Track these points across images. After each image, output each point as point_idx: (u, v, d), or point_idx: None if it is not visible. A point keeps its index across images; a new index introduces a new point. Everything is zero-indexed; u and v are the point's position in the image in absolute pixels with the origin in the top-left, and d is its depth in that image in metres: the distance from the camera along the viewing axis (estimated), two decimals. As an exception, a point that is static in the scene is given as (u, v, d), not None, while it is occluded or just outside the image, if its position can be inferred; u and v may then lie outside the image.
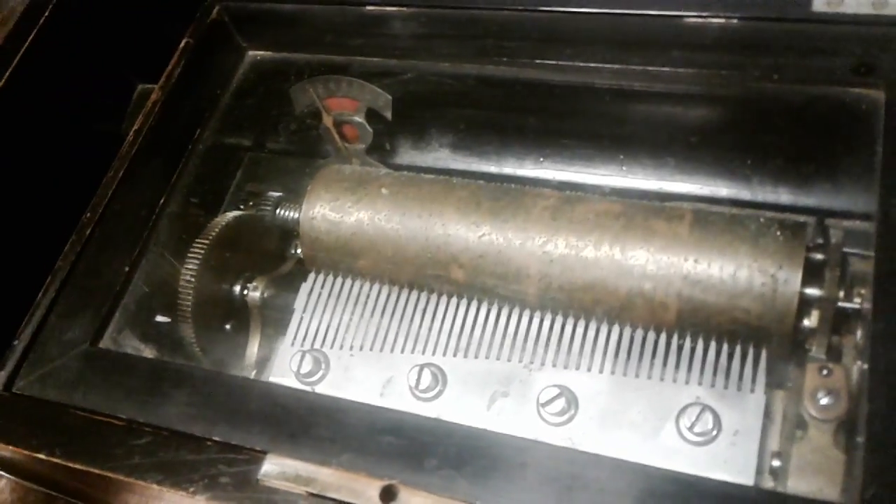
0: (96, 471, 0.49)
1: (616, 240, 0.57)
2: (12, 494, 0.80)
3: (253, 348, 0.65)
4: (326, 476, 0.46)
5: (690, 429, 0.53)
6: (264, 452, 0.47)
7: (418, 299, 0.63)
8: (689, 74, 0.59)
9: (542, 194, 0.61)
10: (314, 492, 0.45)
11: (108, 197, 0.61)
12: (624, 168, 0.68)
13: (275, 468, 0.46)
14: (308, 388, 0.60)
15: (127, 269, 0.58)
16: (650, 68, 0.60)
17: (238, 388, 0.51)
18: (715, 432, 0.53)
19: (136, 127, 0.65)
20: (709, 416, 0.53)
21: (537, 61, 0.62)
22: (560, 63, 0.62)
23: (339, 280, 0.65)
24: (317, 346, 0.63)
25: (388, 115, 0.69)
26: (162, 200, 0.61)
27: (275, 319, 0.66)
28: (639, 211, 0.58)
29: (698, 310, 0.55)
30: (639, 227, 0.57)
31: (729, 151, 0.64)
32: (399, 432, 0.47)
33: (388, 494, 0.44)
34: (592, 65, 0.61)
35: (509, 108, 0.68)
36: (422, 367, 0.59)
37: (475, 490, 0.44)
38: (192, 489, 0.47)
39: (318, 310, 0.65)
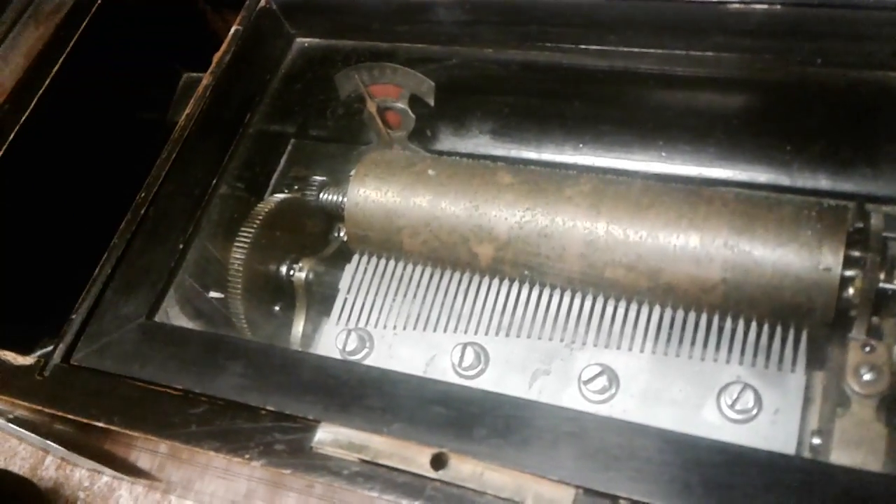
0: (155, 438, 0.50)
1: (658, 221, 0.58)
2: (31, 460, 0.82)
3: (298, 327, 0.66)
4: (378, 444, 0.47)
5: (731, 407, 0.54)
6: (317, 421, 0.49)
7: (461, 280, 0.64)
8: (732, 59, 0.60)
9: (585, 176, 0.62)
10: (366, 458, 0.47)
11: (162, 178, 0.63)
12: (663, 154, 0.68)
13: (328, 436, 0.48)
14: (356, 363, 0.61)
15: (181, 246, 0.59)
16: (692, 53, 0.60)
17: (290, 360, 0.52)
18: (755, 410, 0.54)
19: (187, 111, 0.67)
20: (750, 395, 0.54)
21: (581, 47, 0.63)
22: (602, 48, 0.63)
23: (383, 261, 0.67)
24: (361, 325, 0.65)
25: (431, 101, 0.70)
26: (214, 181, 0.63)
27: (320, 299, 0.68)
28: (681, 193, 0.59)
29: (740, 291, 0.56)
30: (681, 208, 0.58)
31: (770, 137, 0.64)
32: (448, 403, 0.48)
33: (438, 462, 0.46)
34: (635, 50, 0.62)
35: (550, 94, 0.69)
36: (465, 345, 0.60)
37: (523, 458, 0.45)
38: (247, 455, 0.48)
39: (362, 290, 0.66)
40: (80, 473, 0.80)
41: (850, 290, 0.54)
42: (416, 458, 0.46)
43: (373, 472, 0.46)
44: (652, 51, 0.62)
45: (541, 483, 0.44)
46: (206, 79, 0.69)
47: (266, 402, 0.50)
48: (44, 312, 0.61)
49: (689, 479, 0.42)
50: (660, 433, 0.44)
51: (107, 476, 0.79)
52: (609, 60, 0.63)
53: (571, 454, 0.44)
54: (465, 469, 0.45)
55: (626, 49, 0.63)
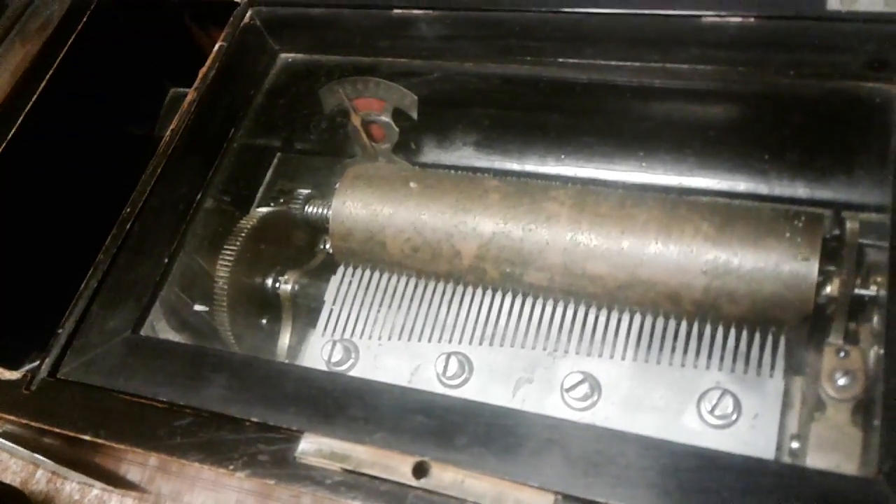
0: (140, 450, 0.51)
1: (636, 230, 0.59)
2: (22, 473, 0.83)
3: (284, 338, 0.67)
4: (360, 453, 0.47)
5: (711, 412, 0.55)
6: (301, 432, 0.49)
7: (444, 290, 0.65)
8: (708, 71, 0.61)
9: (565, 187, 0.63)
10: (349, 468, 0.47)
11: (147, 192, 0.64)
12: (644, 164, 0.69)
13: (311, 446, 0.48)
14: (340, 374, 0.61)
15: (166, 260, 0.60)
16: (669, 65, 0.61)
17: (274, 372, 0.53)
18: (735, 416, 0.55)
19: (172, 126, 0.67)
20: (729, 400, 0.55)
21: (559, 60, 0.64)
22: (581, 61, 0.64)
23: (368, 272, 0.67)
24: (346, 336, 0.66)
25: (415, 114, 0.71)
26: (199, 196, 0.64)
27: (305, 311, 0.68)
28: (659, 202, 0.60)
29: (718, 298, 0.57)
30: (659, 217, 0.59)
31: (746, 147, 0.65)
32: (429, 412, 0.48)
33: (420, 470, 0.46)
34: (613, 63, 0.63)
35: (531, 106, 0.70)
36: (449, 355, 0.61)
37: (503, 466, 0.45)
38: (231, 466, 0.49)
39: (347, 301, 0.67)
40: (71, 487, 0.81)
41: (827, 296, 0.55)
42: (398, 466, 0.47)
43: (355, 482, 0.47)
44: (629, 63, 0.62)
45: (521, 490, 0.44)
46: (190, 94, 0.70)
47: (250, 413, 0.51)
48: (31, 327, 0.61)
49: (666, 484, 0.43)
50: (638, 439, 0.45)
51: (97, 489, 0.80)
52: (588, 73, 0.64)
53: (551, 461, 0.45)
54: (446, 477, 0.46)
55: (604, 62, 0.63)
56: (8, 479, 0.83)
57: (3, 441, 0.63)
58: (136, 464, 0.70)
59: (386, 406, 0.49)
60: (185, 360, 0.55)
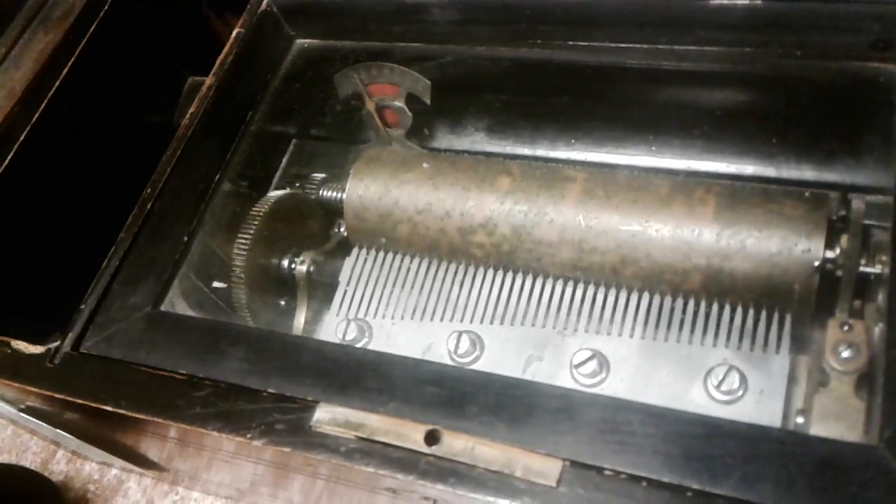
0: (160, 420, 0.52)
1: (645, 210, 0.60)
2: (42, 454, 0.85)
3: (300, 318, 0.68)
4: (374, 422, 0.49)
5: (718, 388, 0.56)
6: (316, 402, 0.50)
7: (457, 270, 0.66)
8: (715, 53, 0.62)
9: (575, 169, 0.64)
10: (363, 436, 0.48)
11: (167, 174, 0.65)
12: (653, 148, 0.70)
13: (326, 415, 0.50)
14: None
15: (185, 239, 0.62)
16: (677, 47, 0.62)
17: (290, 345, 0.54)
18: (741, 391, 0.56)
19: (191, 110, 0.69)
20: (735, 376, 0.56)
21: (569, 43, 0.65)
22: (591, 44, 0.65)
23: (382, 254, 0.69)
24: (360, 315, 0.67)
25: (428, 99, 0.72)
26: (217, 178, 0.65)
27: (320, 291, 0.70)
28: (667, 182, 0.61)
29: (725, 276, 0.58)
30: (667, 198, 0.60)
31: (754, 129, 0.66)
32: (441, 383, 0.50)
33: (431, 438, 0.47)
34: (622, 45, 0.64)
35: (542, 90, 0.71)
36: (460, 333, 0.62)
37: (512, 433, 0.47)
38: (249, 435, 0.50)
39: (361, 282, 0.68)
40: (90, 467, 0.82)
41: (832, 274, 0.56)
42: (410, 434, 0.48)
43: (369, 449, 0.48)
44: (638, 45, 0.64)
45: (529, 456, 0.46)
46: (209, 79, 0.71)
47: (267, 384, 0.52)
48: (53, 307, 0.63)
49: (670, 450, 0.44)
50: (643, 408, 0.46)
51: (116, 469, 0.82)
52: (597, 56, 0.65)
53: (559, 429, 0.46)
54: (457, 444, 0.47)
55: (613, 45, 0.64)
56: (28, 460, 0.85)
57: (27, 416, 0.65)
58: (156, 441, 0.72)
59: (399, 377, 0.51)
60: (204, 334, 0.56)
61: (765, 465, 0.43)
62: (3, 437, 0.86)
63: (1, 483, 0.75)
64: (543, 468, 0.45)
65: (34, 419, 0.65)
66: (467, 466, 0.46)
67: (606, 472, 0.44)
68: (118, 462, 0.78)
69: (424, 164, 0.66)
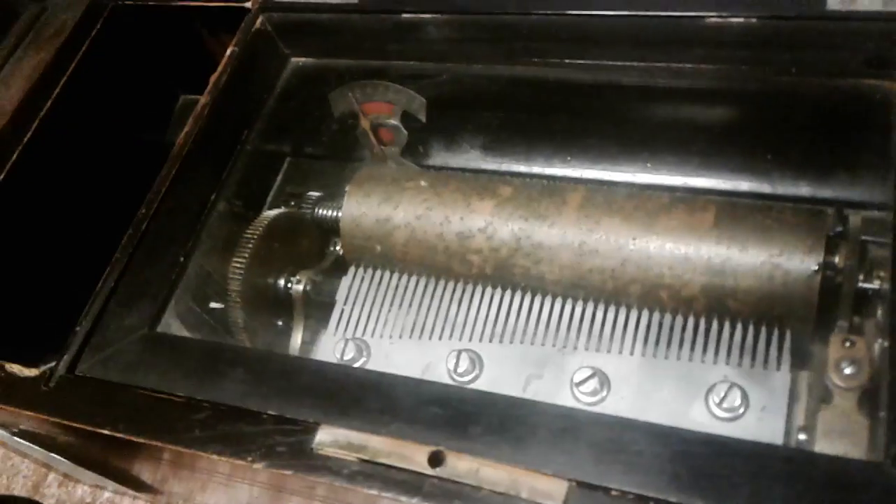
0: (159, 444, 0.52)
1: (644, 226, 0.60)
2: (34, 477, 0.83)
3: (297, 337, 0.68)
4: (377, 443, 0.48)
5: (719, 405, 0.56)
6: (317, 424, 0.50)
7: (455, 288, 0.66)
8: (711, 70, 0.62)
9: (573, 187, 0.64)
10: (366, 458, 0.48)
11: (162, 194, 0.65)
12: (648, 165, 0.71)
13: (328, 437, 0.49)
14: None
15: (181, 259, 0.61)
16: (673, 65, 0.63)
17: (290, 366, 0.54)
18: (743, 409, 0.56)
19: (186, 129, 0.68)
20: (737, 393, 0.56)
21: (566, 61, 0.65)
22: (586, 62, 0.65)
23: (379, 272, 0.69)
24: (358, 335, 0.67)
25: (423, 117, 0.72)
26: (213, 197, 0.65)
27: (317, 311, 0.69)
28: (665, 199, 0.61)
29: (724, 292, 0.58)
30: (666, 214, 0.60)
31: (750, 146, 0.67)
32: (443, 403, 0.49)
33: (435, 459, 0.47)
34: (618, 63, 0.64)
35: (538, 108, 0.72)
36: (459, 352, 0.62)
37: (517, 454, 0.46)
38: (250, 458, 0.49)
39: (358, 301, 0.68)
40: (83, 490, 0.81)
41: (831, 291, 0.56)
42: (413, 456, 0.47)
43: (372, 471, 0.48)
44: (634, 63, 0.64)
45: (535, 477, 0.45)
46: (203, 98, 0.71)
47: (267, 406, 0.51)
48: (46, 329, 0.62)
49: (677, 469, 0.44)
50: (648, 427, 0.46)
51: (109, 492, 0.80)
52: (593, 74, 0.66)
53: (564, 449, 0.46)
54: (461, 466, 0.47)
55: (609, 63, 0.65)
56: (20, 483, 0.84)
57: (20, 440, 0.64)
58: (149, 464, 0.71)
59: (401, 398, 0.50)
60: (202, 355, 0.55)
61: (772, 483, 0.42)
62: (-7, 460, 0.85)
63: None
64: (549, 489, 0.45)
65: (27, 443, 0.64)
66: (472, 488, 0.46)
67: (613, 493, 0.44)
68: (111, 485, 0.77)
69: (422, 182, 0.66)
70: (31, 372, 0.58)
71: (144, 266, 0.61)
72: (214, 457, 0.50)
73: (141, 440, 0.52)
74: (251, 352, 0.60)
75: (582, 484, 0.45)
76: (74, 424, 0.54)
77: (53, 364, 0.58)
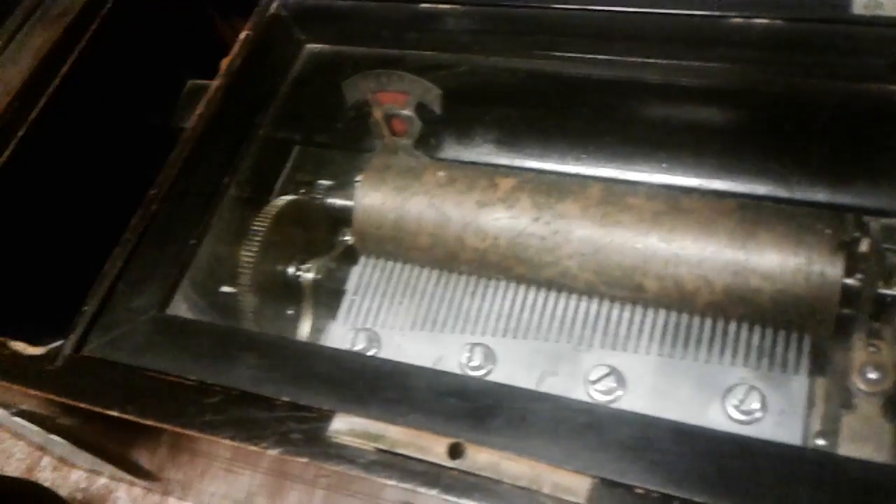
0: (170, 427, 0.51)
1: (663, 227, 0.59)
2: (27, 461, 0.82)
3: (305, 326, 0.67)
4: (394, 433, 0.47)
5: (736, 408, 0.55)
6: (333, 412, 0.49)
7: (468, 281, 0.65)
8: (733, 71, 0.62)
9: (592, 182, 0.64)
10: (383, 448, 0.47)
11: (174, 176, 0.63)
12: (664, 165, 0.70)
13: (344, 425, 0.48)
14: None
15: (193, 242, 0.60)
16: (695, 64, 0.62)
17: (304, 352, 0.53)
18: (760, 412, 0.55)
19: (199, 111, 0.67)
20: (756, 396, 0.55)
21: (588, 56, 0.65)
22: (609, 58, 0.64)
23: (390, 263, 0.68)
24: (368, 325, 0.66)
25: (438, 109, 0.71)
26: (225, 181, 0.64)
27: (326, 300, 0.68)
28: (687, 200, 0.61)
29: (743, 296, 0.57)
30: (687, 214, 0.59)
31: (769, 149, 0.66)
32: (463, 395, 0.48)
33: (455, 451, 0.46)
34: (639, 60, 0.64)
35: (556, 103, 0.70)
36: (473, 345, 0.61)
37: (540, 449, 0.45)
38: (263, 444, 0.48)
39: (369, 291, 0.67)
40: (78, 475, 0.80)
41: (851, 296, 0.56)
42: (432, 447, 0.46)
43: (390, 461, 0.47)
44: (656, 61, 0.63)
45: (557, 473, 0.44)
46: (217, 81, 0.70)
47: (280, 392, 0.50)
48: (49, 310, 0.61)
49: (704, 469, 0.43)
50: (673, 425, 0.45)
51: (104, 478, 0.79)
52: (614, 70, 0.65)
53: (587, 445, 0.45)
54: (481, 458, 0.46)
55: (630, 59, 0.64)
56: (13, 467, 0.82)
57: (20, 420, 0.62)
58: (147, 450, 0.70)
59: (418, 388, 0.49)
60: (214, 339, 0.54)
61: (800, 486, 0.42)
62: (-15, 442, 0.83)
63: (14, 498, 0.72)
64: (572, 485, 0.44)
65: (27, 423, 0.63)
66: (493, 482, 0.45)
67: (637, 491, 0.43)
68: (108, 470, 0.75)
69: (440, 173, 0.65)
70: (36, 350, 0.56)
71: (155, 247, 0.60)
72: (227, 441, 0.49)
73: (150, 423, 0.51)
74: (263, 337, 0.59)
75: (606, 481, 0.44)
76: (81, 405, 0.53)
77: (59, 343, 0.56)
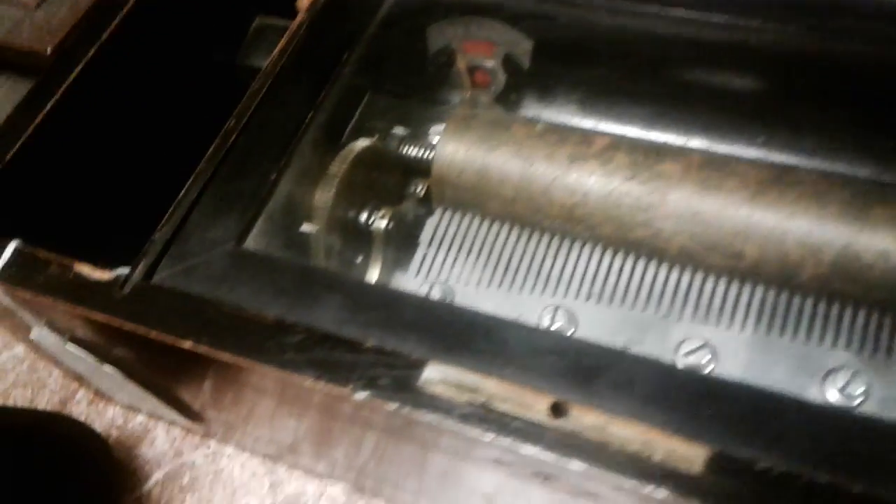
0: (251, 362, 0.48)
1: (770, 195, 0.56)
2: (61, 392, 0.79)
3: (373, 274, 0.64)
4: (491, 387, 0.44)
5: (840, 391, 0.52)
6: (424, 360, 0.46)
7: (550, 241, 0.62)
8: (859, 41, 0.58)
9: (689, 151, 0.60)
10: (479, 401, 0.44)
11: (253, 108, 0.60)
12: (760, 140, 0.67)
13: (437, 375, 0.45)
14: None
15: (273, 177, 0.57)
16: (816, 32, 0.59)
17: (391, 298, 0.50)
18: (862, 398, 0.52)
19: (280, 46, 0.64)
20: (861, 380, 0.52)
21: (706, 14, 0.61)
22: (718, 19, 0.61)
23: (467, 218, 0.65)
24: (441, 279, 0.63)
25: (527, 62, 0.68)
26: (307, 118, 0.61)
27: (396, 251, 0.65)
28: (791, 175, 0.58)
29: (852, 272, 0.54)
30: (794, 187, 0.56)
31: (875, 130, 0.63)
32: (563, 353, 0.45)
33: (558, 410, 0.43)
34: (753, 23, 0.60)
35: (649, 65, 0.67)
36: (556, 308, 0.58)
37: (650, 414, 0.43)
38: (351, 386, 0.45)
39: (444, 245, 0.64)
40: (114, 411, 0.77)
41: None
42: (533, 404, 0.44)
43: (486, 416, 0.44)
44: (772, 25, 0.60)
45: (670, 440, 0.42)
46: (300, 17, 0.67)
47: (367, 337, 0.47)
48: (110, 239, 0.58)
49: (830, 448, 0.40)
50: (795, 401, 0.42)
51: (142, 416, 0.76)
52: (726, 33, 0.61)
53: (702, 414, 0.42)
54: (586, 420, 0.43)
55: (743, 22, 0.61)
56: (45, 398, 0.79)
57: (73, 348, 0.60)
58: (193, 390, 0.67)
59: (515, 343, 0.46)
60: (295, 277, 0.51)
61: (936, 473, 0.39)
62: (19, 371, 0.80)
63: (48, 432, 0.69)
64: (688, 454, 0.41)
65: (79, 351, 0.60)
66: (600, 444, 0.42)
67: (759, 466, 0.40)
68: (147, 407, 0.73)
69: (529, 125, 0.62)
70: (104, 275, 0.53)
71: (232, 179, 0.57)
72: (311, 380, 0.46)
73: (227, 357, 0.48)
74: (347, 279, 0.56)
75: (724, 454, 0.41)
76: (151, 334, 0.50)
77: (128, 270, 0.53)
